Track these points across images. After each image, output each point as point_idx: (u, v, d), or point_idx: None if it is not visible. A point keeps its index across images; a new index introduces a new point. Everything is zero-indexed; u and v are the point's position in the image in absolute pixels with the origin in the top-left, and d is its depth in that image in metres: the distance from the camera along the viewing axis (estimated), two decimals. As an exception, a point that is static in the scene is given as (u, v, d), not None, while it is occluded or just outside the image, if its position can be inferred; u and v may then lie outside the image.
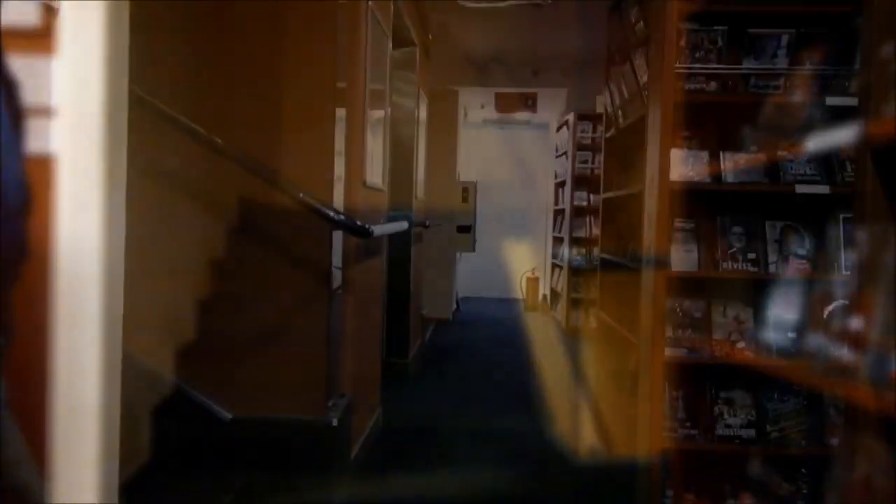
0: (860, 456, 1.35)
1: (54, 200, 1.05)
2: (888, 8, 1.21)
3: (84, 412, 1.13)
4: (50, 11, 1.03)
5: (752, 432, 2.79)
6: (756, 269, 2.78)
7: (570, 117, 7.98)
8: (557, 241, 8.97)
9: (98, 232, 1.11)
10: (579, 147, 7.91)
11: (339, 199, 2.99)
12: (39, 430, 1.06)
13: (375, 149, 3.75)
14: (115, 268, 1.18)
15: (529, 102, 8.13)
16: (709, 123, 2.84)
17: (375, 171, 3.76)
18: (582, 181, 7.93)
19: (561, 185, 8.78)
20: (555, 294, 9.11)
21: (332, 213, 2.74)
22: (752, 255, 2.79)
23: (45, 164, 1.03)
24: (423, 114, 5.95)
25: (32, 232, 1.02)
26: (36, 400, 1.04)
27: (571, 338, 7.69)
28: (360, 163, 3.35)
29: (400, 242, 5.42)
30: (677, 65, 2.67)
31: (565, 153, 8.31)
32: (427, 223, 6.34)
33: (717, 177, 2.79)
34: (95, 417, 1.17)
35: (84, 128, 1.06)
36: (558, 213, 9.01)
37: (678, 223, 2.81)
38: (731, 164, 2.79)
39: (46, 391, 1.06)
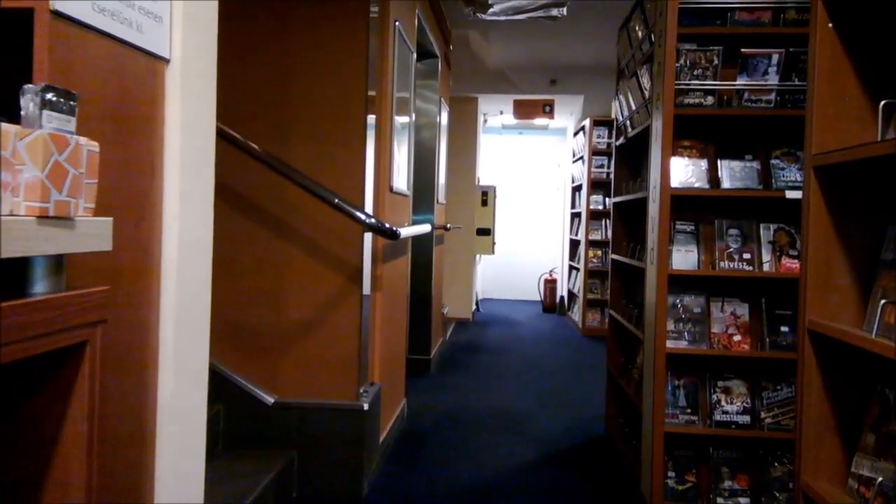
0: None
1: (161, 214, 1.35)
2: (828, 45, 1.47)
3: (189, 413, 1.42)
4: (158, 62, 1.32)
5: (747, 418, 3.01)
6: (751, 268, 3.00)
7: (587, 123, 8.20)
8: (574, 243, 9.19)
9: (199, 237, 1.41)
10: (595, 152, 8.13)
11: (369, 204, 3.28)
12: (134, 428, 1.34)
13: (401, 156, 4.03)
14: (205, 268, 1.48)
15: (547, 109, 8.37)
16: (707, 134, 3.09)
17: (401, 178, 4.04)
18: (598, 185, 8.14)
19: (578, 188, 9.00)
20: (572, 295, 9.32)
21: (363, 217, 3.02)
22: (747, 255, 3.02)
23: (157, 178, 1.33)
24: (444, 120, 6.22)
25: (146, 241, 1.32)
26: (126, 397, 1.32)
27: (587, 337, 7.93)
28: (387, 170, 3.63)
29: (423, 244, 5.70)
30: (677, 81, 2.93)
31: (582, 158, 8.54)
32: (448, 226, 6.61)
33: (715, 183, 3.04)
34: (196, 417, 1.46)
35: (188, 155, 1.36)
36: (575, 216, 9.23)
37: (679, 226, 3.05)
38: (728, 172, 3.03)
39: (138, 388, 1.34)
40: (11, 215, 0.80)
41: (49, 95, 0.84)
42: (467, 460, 3.78)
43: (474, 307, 9.26)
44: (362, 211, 3.08)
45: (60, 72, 1.02)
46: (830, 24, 1.43)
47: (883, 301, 1.30)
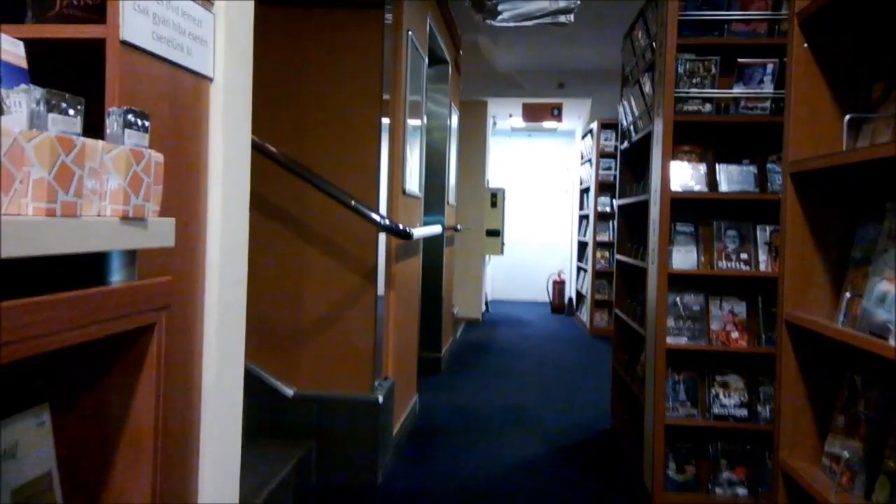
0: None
1: (205, 217, 1.51)
2: (804, 64, 1.62)
3: (228, 400, 1.58)
4: (203, 81, 1.48)
5: (744, 412, 3.15)
6: (748, 268, 3.14)
7: (594, 126, 8.33)
8: (583, 245, 9.31)
9: (237, 237, 1.57)
10: (603, 154, 8.26)
11: (383, 205, 3.43)
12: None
13: (413, 159, 4.18)
14: (242, 266, 1.64)
15: (555, 112, 8.50)
16: (706, 140, 3.23)
17: (413, 180, 4.19)
18: (605, 187, 8.26)
19: (585, 191, 9.13)
20: (580, 296, 9.45)
21: (379, 218, 3.17)
22: (744, 256, 3.16)
23: (202, 185, 1.49)
24: (454, 124, 6.37)
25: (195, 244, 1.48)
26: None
27: (594, 337, 8.07)
28: (400, 173, 3.79)
29: (433, 245, 5.84)
30: (677, 89, 3.08)
31: (589, 160, 8.67)
32: (458, 227, 6.75)
33: (713, 186, 3.18)
34: (234, 404, 1.62)
35: (229, 164, 1.52)
36: (583, 218, 9.35)
37: (679, 227, 3.19)
38: (726, 176, 3.18)
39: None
40: (99, 216, 0.96)
41: (129, 116, 1.00)
42: (477, 453, 3.93)
43: (484, 308, 9.40)
44: (377, 212, 3.23)
45: (128, 92, 1.19)
46: (805, 45, 1.58)
47: (848, 295, 1.45)
